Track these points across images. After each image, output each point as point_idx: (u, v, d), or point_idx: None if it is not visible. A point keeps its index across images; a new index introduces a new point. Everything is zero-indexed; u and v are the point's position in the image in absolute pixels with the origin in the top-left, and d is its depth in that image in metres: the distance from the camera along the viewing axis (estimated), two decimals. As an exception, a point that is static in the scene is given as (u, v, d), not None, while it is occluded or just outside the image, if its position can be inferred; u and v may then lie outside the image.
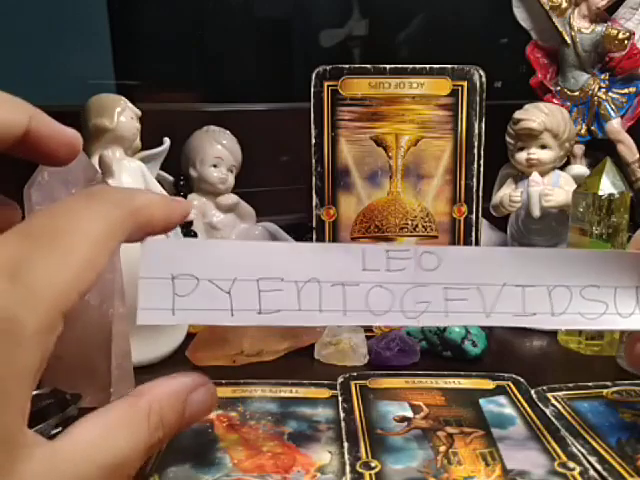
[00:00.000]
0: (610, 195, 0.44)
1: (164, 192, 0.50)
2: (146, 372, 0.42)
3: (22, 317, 0.17)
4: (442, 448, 0.32)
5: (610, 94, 0.61)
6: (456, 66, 0.47)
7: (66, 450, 0.18)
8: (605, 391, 0.38)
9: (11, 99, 0.22)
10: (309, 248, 0.29)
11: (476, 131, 0.48)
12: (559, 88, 0.62)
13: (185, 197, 0.54)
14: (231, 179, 0.55)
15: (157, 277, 0.26)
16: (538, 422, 0.34)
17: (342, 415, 0.35)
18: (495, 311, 0.30)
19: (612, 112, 0.61)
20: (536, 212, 0.52)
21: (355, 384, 0.39)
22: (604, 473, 0.29)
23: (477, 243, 0.49)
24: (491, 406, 0.37)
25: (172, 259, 0.26)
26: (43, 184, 0.36)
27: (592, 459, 0.30)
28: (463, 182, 0.48)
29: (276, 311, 0.27)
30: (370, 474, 0.29)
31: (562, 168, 0.55)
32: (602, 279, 0.31)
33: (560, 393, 0.38)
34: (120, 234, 0.21)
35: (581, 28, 0.60)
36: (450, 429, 0.34)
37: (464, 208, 0.49)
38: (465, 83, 0.47)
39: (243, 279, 0.27)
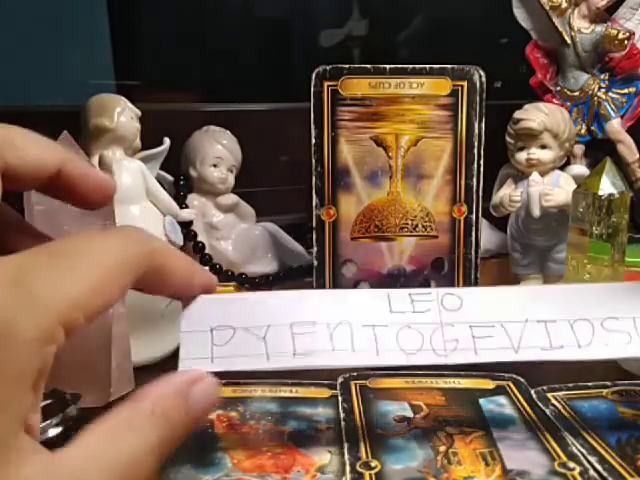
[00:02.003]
0: (610, 195, 0.44)
1: (164, 192, 0.49)
2: (146, 372, 0.42)
3: (20, 321, 0.16)
4: (442, 448, 0.32)
5: (610, 94, 0.61)
6: (456, 66, 0.47)
7: (67, 458, 0.18)
8: (605, 391, 0.38)
9: (45, 140, 0.23)
10: (337, 294, 0.31)
11: (476, 131, 0.48)
12: (559, 88, 0.62)
13: (185, 197, 0.54)
14: (231, 179, 0.55)
15: (197, 330, 0.28)
16: (538, 422, 0.34)
17: (342, 415, 0.35)
18: (522, 346, 0.30)
19: (612, 112, 0.61)
20: (536, 212, 0.52)
21: (355, 384, 0.39)
22: (604, 473, 0.29)
23: (477, 243, 0.49)
24: (491, 406, 0.37)
25: (211, 312, 0.28)
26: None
27: (592, 459, 0.30)
28: (463, 182, 0.48)
29: (310, 352, 0.28)
30: (370, 474, 0.29)
31: (562, 168, 0.55)
32: (619, 311, 0.31)
33: (560, 393, 0.38)
34: (134, 270, 0.21)
35: (581, 28, 0.60)
36: (450, 429, 0.34)
37: (464, 208, 0.49)
38: (465, 83, 0.47)
39: (277, 325, 0.28)
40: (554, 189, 0.51)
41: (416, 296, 0.31)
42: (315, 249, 0.48)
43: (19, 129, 0.23)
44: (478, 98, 0.47)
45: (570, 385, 0.39)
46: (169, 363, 0.43)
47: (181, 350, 0.27)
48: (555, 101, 0.61)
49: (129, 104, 0.48)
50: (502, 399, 0.37)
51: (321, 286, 0.48)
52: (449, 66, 0.47)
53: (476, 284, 0.49)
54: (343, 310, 0.30)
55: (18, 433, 0.17)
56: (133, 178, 0.47)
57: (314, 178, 0.47)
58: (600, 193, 0.44)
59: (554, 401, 0.37)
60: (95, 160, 0.45)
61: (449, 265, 0.49)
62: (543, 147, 0.52)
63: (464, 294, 0.31)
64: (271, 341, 0.28)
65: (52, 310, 0.17)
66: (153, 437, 0.20)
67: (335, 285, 0.48)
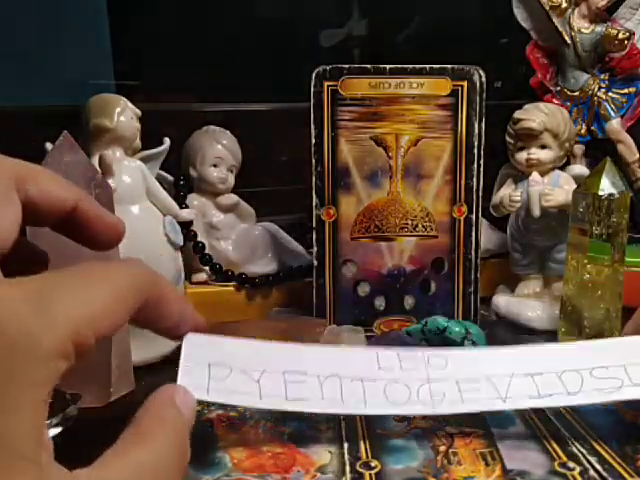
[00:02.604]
0: (610, 195, 0.44)
1: (164, 192, 0.49)
2: (146, 372, 0.42)
3: (39, 335, 0.17)
4: (442, 448, 0.32)
5: (610, 94, 0.61)
6: (456, 66, 0.47)
7: (87, 477, 0.19)
8: (605, 391, 0.38)
9: (63, 180, 0.25)
10: (327, 350, 0.33)
11: (476, 131, 0.48)
12: (559, 88, 0.62)
13: (185, 197, 0.53)
14: (231, 179, 0.55)
15: (196, 363, 0.29)
16: (538, 422, 0.34)
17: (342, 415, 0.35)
18: (510, 396, 0.31)
19: (612, 112, 0.61)
20: (536, 212, 0.52)
21: (355, 384, 0.39)
22: (604, 473, 0.29)
23: (477, 243, 0.49)
24: (491, 406, 0.37)
25: (209, 351, 0.30)
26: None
27: (592, 459, 0.30)
28: (463, 182, 0.48)
29: (301, 399, 0.30)
30: (370, 474, 0.29)
31: (562, 168, 0.55)
32: (608, 361, 0.32)
33: (560, 393, 0.38)
34: (140, 295, 0.22)
35: (581, 28, 0.60)
36: (450, 429, 0.34)
37: (464, 208, 0.49)
38: (465, 83, 0.47)
39: (270, 371, 0.30)
40: (554, 189, 0.51)
41: (403, 354, 0.33)
42: (315, 249, 0.48)
43: (39, 167, 0.24)
44: (478, 98, 0.47)
45: (570, 385, 0.39)
46: (169, 363, 0.44)
47: (179, 377, 0.29)
48: (555, 101, 0.61)
49: (129, 104, 0.48)
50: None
51: (321, 286, 0.48)
52: (449, 66, 0.47)
53: (476, 284, 0.49)
54: (333, 364, 0.32)
55: (38, 449, 0.17)
56: (133, 178, 0.47)
57: (314, 178, 0.47)
58: (600, 193, 0.44)
59: (554, 401, 0.37)
60: (95, 160, 0.45)
61: (449, 265, 0.49)
62: (543, 147, 0.52)
63: (449, 355, 0.33)
64: (264, 384, 0.30)
65: (68, 327, 0.18)
66: (169, 446, 0.21)
67: (335, 285, 0.48)
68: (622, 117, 0.61)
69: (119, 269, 0.22)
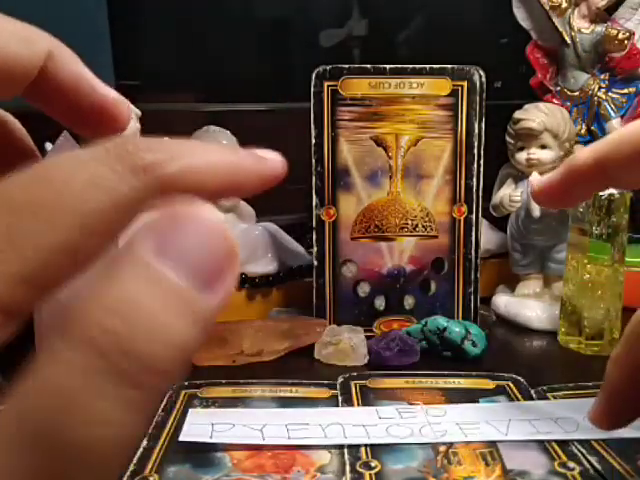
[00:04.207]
0: (610, 195, 0.44)
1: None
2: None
3: None
4: (442, 448, 0.32)
5: (610, 94, 0.61)
6: (456, 66, 0.47)
7: None
8: (605, 391, 0.38)
9: (28, 26, 0.17)
10: (328, 409, 0.36)
11: (476, 131, 0.48)
12: (559, 88, 0.62)
13: (185, 197, 0.53)
14: (231, 179, 0.55)
15: (199, 424, 0.33)
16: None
17: (342, 415, 0.35)
18: (510, 433, 0.33)
19: (612, 112, 0.61)
20: (536, 212, 0.52)
21: (355, 384, 0.39)
22: (604, 473, 0.29)
23: (477, 243, 0.49)
24: (491, 406, 0.37)
25: (212, 415, 0.34)
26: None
27: (592, 459, 0.30)
28: (463, 182, 0.48)
29: (304, 438, 0.32)
30: (370, 474, 0.29)
31: (562, 168, 0.55)
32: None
33: (560, 393, 0.38)
34: (131, 209, 0.12)
35: (581, 28, 0.60)
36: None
37: (464, 208, 0.49)
38: (465, 83, 0.47)
39: (273, 424, 0.33)
40: (554, 189, 0.51)
41: (402, 408, 0.35)
42: (315, 249, 0.48)
43: None
44: (478, 98, 0.47)
45: (570, 385, 0.39)
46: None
47: (182, 436, 0.32)
48: (555, 101, 0.61)
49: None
50: (502, 399, 0.37)
51: (321, 286, 0.48)
52: (449, 66, 0.47)
53: (476, 284, 0.49)
54: (335, 416, 0.34)
55: None
56: (133, 178, 0.47)
57: (314, 178, 0.47)
58: (600, 193, 0.44)
59: (554, 401, 0.37)
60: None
61: (449, 265, 0.49)
62: (543, 147, 0.52)
63: (447, 407, 0.35)
64: (267, 432, 0.32)
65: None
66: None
67: (335, 285, 0.48)
68: (622, 117, 0.61)
69: (91, 180, 0.12)
